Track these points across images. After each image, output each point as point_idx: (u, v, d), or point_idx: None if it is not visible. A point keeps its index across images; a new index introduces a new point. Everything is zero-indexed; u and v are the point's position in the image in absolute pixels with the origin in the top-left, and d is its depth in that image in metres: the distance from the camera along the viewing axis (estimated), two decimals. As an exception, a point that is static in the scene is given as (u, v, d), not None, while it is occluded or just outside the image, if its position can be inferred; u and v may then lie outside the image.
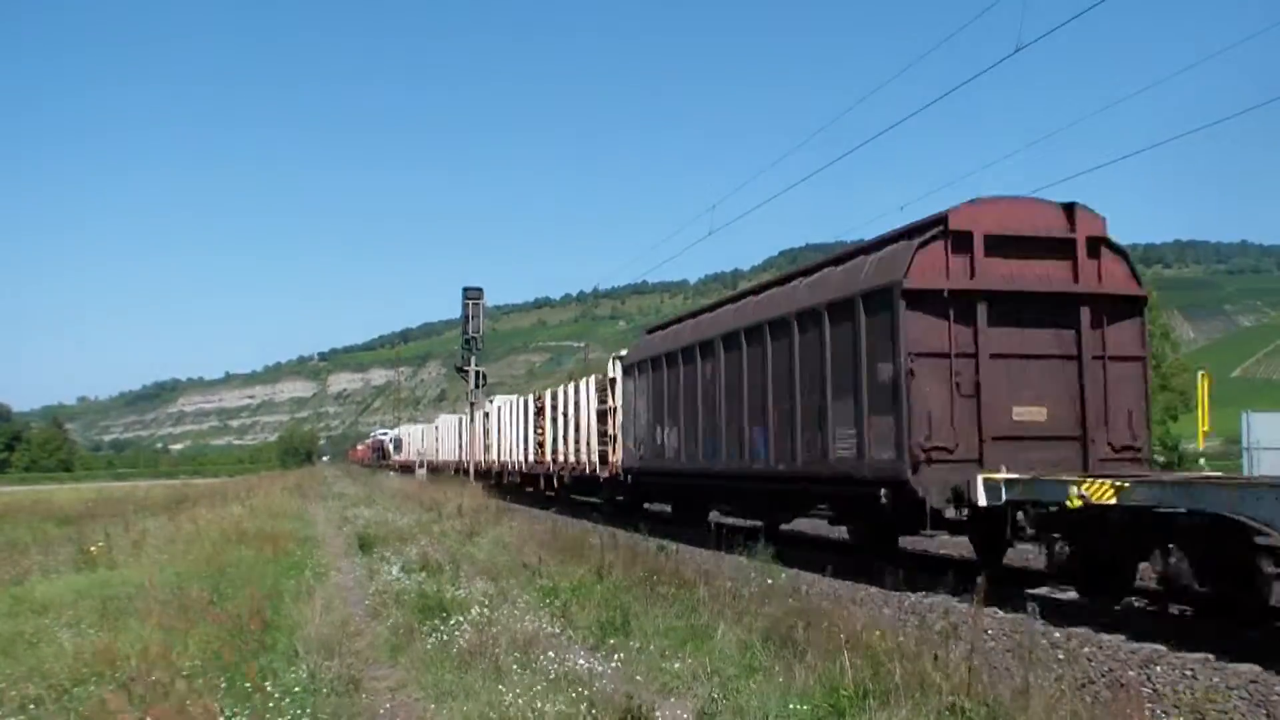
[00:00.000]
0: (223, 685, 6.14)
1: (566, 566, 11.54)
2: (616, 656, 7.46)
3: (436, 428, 57.70)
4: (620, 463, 22.56)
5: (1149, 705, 6.44)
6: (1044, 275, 11.68)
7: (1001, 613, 9.47)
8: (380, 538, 16.17)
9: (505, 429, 36.72)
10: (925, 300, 11.17)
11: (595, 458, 24.87)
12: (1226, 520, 7.85)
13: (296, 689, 6.30)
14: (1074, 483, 9.20)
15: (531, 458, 32.03)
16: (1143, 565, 9.61)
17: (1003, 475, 10.38)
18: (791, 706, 5.76)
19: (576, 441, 26.76)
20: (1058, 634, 8.63)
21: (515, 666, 6.80)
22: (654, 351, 20.15)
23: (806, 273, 14.65)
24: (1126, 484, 8.79)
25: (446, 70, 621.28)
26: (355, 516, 22.12)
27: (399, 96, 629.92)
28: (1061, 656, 7.81)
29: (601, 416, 24.70)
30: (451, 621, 8.28)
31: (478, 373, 37.35)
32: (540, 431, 30.96)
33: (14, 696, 6.17)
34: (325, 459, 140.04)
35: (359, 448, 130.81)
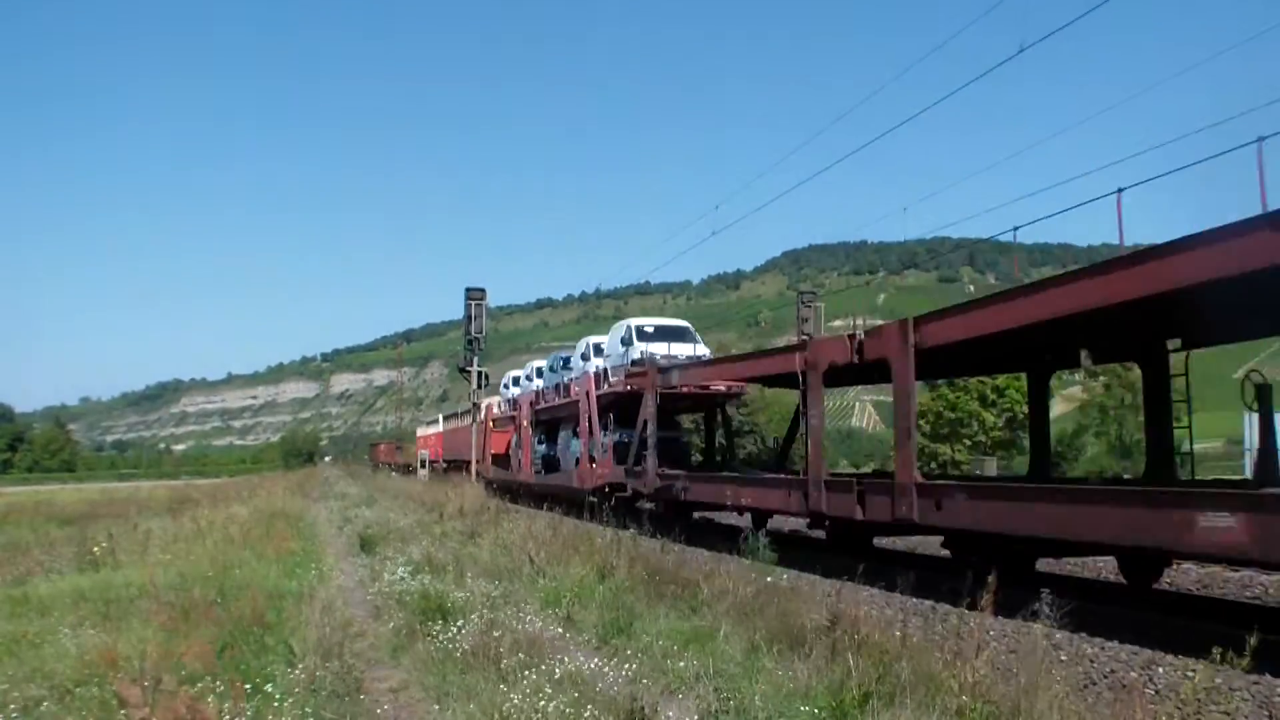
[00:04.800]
0: (220, 688, 6.13)
1: (569, 567, 11.54)
2: (620, 657, 7.46)
3: None
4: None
5: (1151, 706, 6.43)
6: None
7: (1004, 615, 9.45)
8: (382, 538, 16.18)
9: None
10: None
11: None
12: None
13: (297, 690, 6.30)
14: None
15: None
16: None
17: None
18: (796, 707, 5.76)
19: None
20: (1059, 634, 8.61)
21: (518, 667, 6.80)
22: None
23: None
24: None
25: (450, 70, 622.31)
26: (356, 517, 22.14)
27: (401, 96, 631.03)
28: (1064, 658, 7.80)
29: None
30: (454, 622, 8.28)
31: (480, 373, 37.37)
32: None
33: (17, 697, 6.17)
34: (328, 459, 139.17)
35: (426, 434, 68.79)
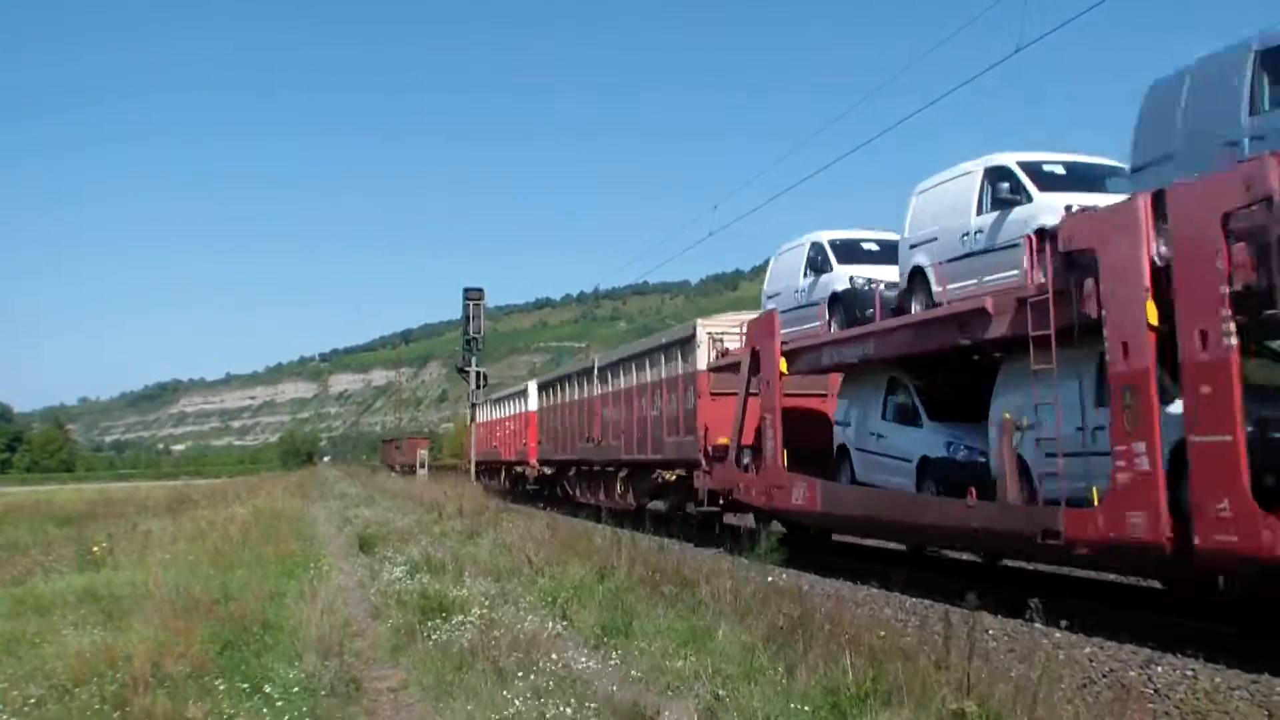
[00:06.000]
0: (222, 688, 6.14)
1: (568, 567, 11.54)
2: (618, 657, 7.47)
3: None
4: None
5: (1150, 705, 6.45)
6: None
7: (1003, 614, 9.46)
8: (381, 538, 16.17)
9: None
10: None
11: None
12: None
13: (295, 689, 6.30)
14: None
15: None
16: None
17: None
18: (793, 707, 5.76)
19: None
20: (1058, 634, 8.63)
21: (516, 667, 6.80)
22: None
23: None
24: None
25: (447, 72, 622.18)
26: (356, 517, 22.13)
27: (399, 98, 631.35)
28: (1063, 657, 7.81)
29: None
30: (453, 621, 8.28)
31: (478, 373, 37.41)
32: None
33: (15, 696, 6.17)
34: (327, 460, 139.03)
35: (500, 418, 41.24)
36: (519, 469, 35.81)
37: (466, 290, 38.04)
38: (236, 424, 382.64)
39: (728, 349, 18.36)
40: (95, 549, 14.45)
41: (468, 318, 37.77)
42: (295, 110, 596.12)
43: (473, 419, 41.33)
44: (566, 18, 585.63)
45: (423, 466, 57.25)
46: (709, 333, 19.29)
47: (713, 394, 18.71)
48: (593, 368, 26.44)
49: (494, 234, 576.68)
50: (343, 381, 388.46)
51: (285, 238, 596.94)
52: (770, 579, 10.06)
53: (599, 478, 25.97)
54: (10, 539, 21.66)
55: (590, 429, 26.15)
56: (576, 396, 27.66)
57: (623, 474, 23.88)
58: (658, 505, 22.13)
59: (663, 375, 21.28)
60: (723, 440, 17.71)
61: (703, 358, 19.19)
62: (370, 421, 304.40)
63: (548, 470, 32.14)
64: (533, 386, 35.14)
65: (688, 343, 20.02)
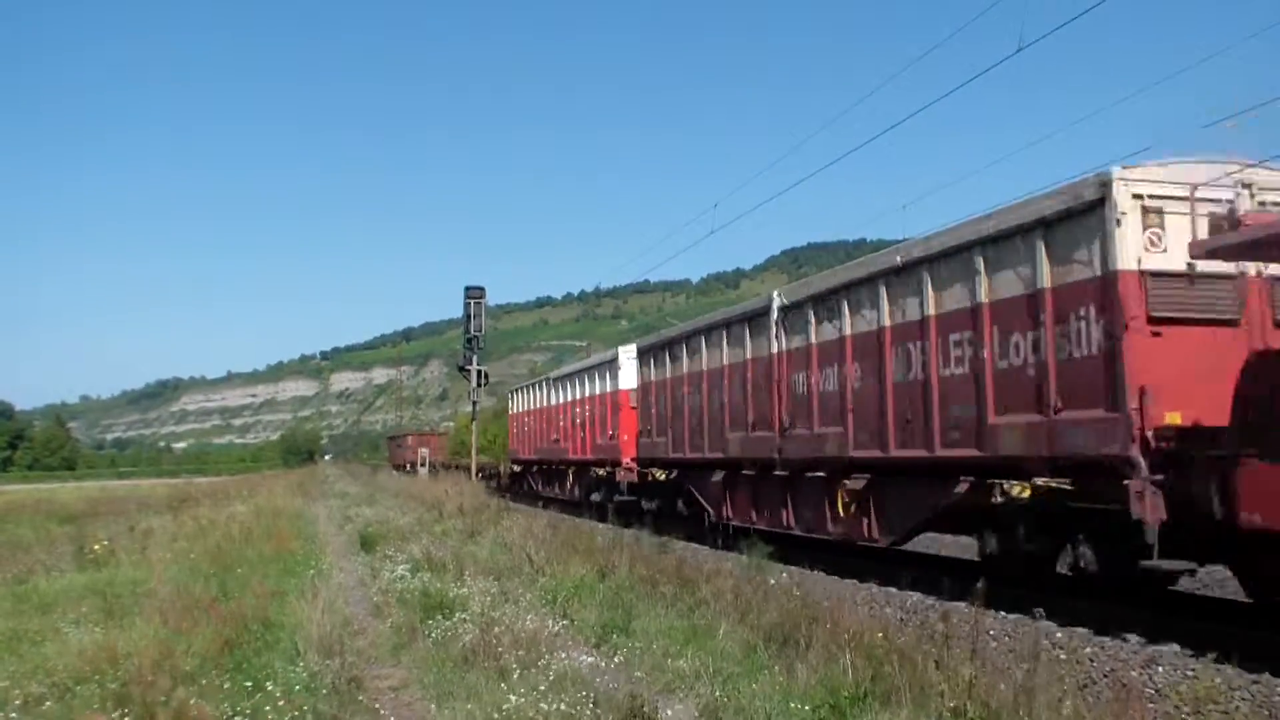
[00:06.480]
0: (225, 686, 6.15)
1: (569, 566, 11.54)
2: (619, 655, 7.47)
3: None
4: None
5: (1151, 705, 6.44)
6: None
7: (1004, 613, 9.46)
8: (382, 537, 16.19)
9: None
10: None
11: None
12: None
13: (297, 688, 6.30)
14: None
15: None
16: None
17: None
18: (793, 706, 5.77)
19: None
20: (1060, 634, 8.63)
21: (517, 665, 6.80)
22: None
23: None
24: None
25: (449, 70, 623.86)
26: (357, 515, 22.14)
27: (401, 96, 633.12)
28: (1064, 657, 7.81)
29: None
30: (454, 620, 8.29)
31: (480, 372, 37.34)
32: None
33: (17, 694, 6.17)
34: (328, 458, 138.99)
35: (564, 402, 30.66)
36: (600, 472, 26.35)
37: (468, 289, 37.92)
38: (238, 422, 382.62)
39: (1227, 216, 8.72)
40: (96, 548, 14.46)
41: (469, 316, 37.67)
42: (297, 107, 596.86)
43: (471, 414, 40.28)
44: (567, 18, 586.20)
45: (423, 465, 56.92)
46: (1139, 195, 9.31)
47: (1158, 320, 9.07)
48: (768, 310, 16.18)
49: (495, 233, 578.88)
50: (344, 380, 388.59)
51: (287, 235, 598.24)
52: (771, 579, 10.06)
53: (782, 489, 15.86)
54: (12, 537, 21.67)
55: (764, 410, 16.31)
56: (727, 360, 17.89)
57: (853, 486, 13.63)
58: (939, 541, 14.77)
59: (983, 298, 10.94)
60: (1172, 418, 8.80)
61: (1130, 246, 9.20)
62: (371, 420, 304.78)
63: (659, 474, 22.45)
64: (626, 355, 24.90)
65: (1080, 219, 9.66)
